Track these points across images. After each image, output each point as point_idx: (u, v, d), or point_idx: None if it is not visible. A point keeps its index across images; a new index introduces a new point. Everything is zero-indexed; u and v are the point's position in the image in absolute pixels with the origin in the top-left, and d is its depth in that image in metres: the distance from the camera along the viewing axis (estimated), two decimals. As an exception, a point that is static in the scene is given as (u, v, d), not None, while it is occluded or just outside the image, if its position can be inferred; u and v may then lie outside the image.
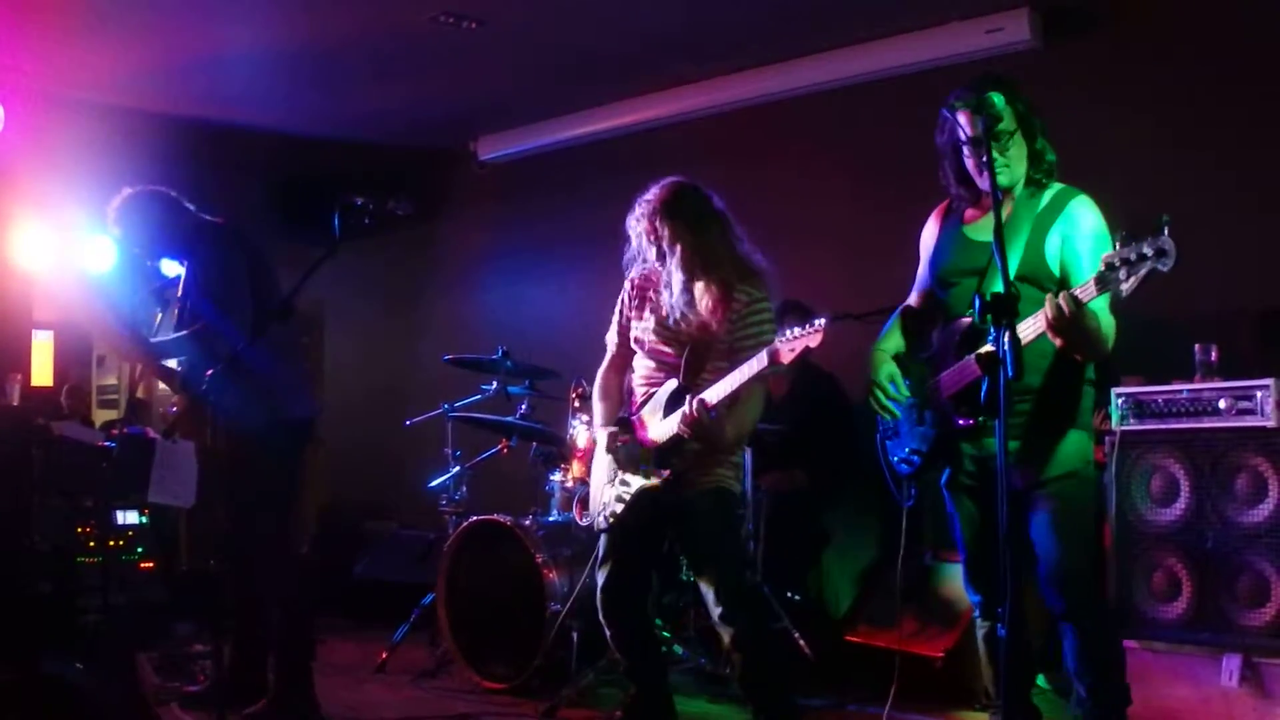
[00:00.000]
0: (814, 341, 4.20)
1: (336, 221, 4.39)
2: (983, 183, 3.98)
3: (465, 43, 7.21)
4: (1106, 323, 3.74)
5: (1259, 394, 4.79)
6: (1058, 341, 3.63)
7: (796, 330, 4.24)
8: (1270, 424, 4.75)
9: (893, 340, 4.30)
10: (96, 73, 7.69)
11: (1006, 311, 3.37)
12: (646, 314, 4.88)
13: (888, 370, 4.16)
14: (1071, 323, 3.53)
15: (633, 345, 4.94)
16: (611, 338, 5.07)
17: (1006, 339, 3.31)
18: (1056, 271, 3.88)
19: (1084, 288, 3.50)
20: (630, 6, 6.85)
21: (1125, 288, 3.37)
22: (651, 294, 4.90)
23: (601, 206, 8.19)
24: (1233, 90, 5.95)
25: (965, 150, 4.00)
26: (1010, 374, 3.30)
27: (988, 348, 3.62)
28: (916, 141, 6.55)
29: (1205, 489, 4.90)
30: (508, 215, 9.35)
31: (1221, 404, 4.88)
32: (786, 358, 4.27)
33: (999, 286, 3.84)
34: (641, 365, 4.90)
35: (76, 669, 5.24)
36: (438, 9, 6.77)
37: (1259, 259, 5.64)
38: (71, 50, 7.32)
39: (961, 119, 3.95)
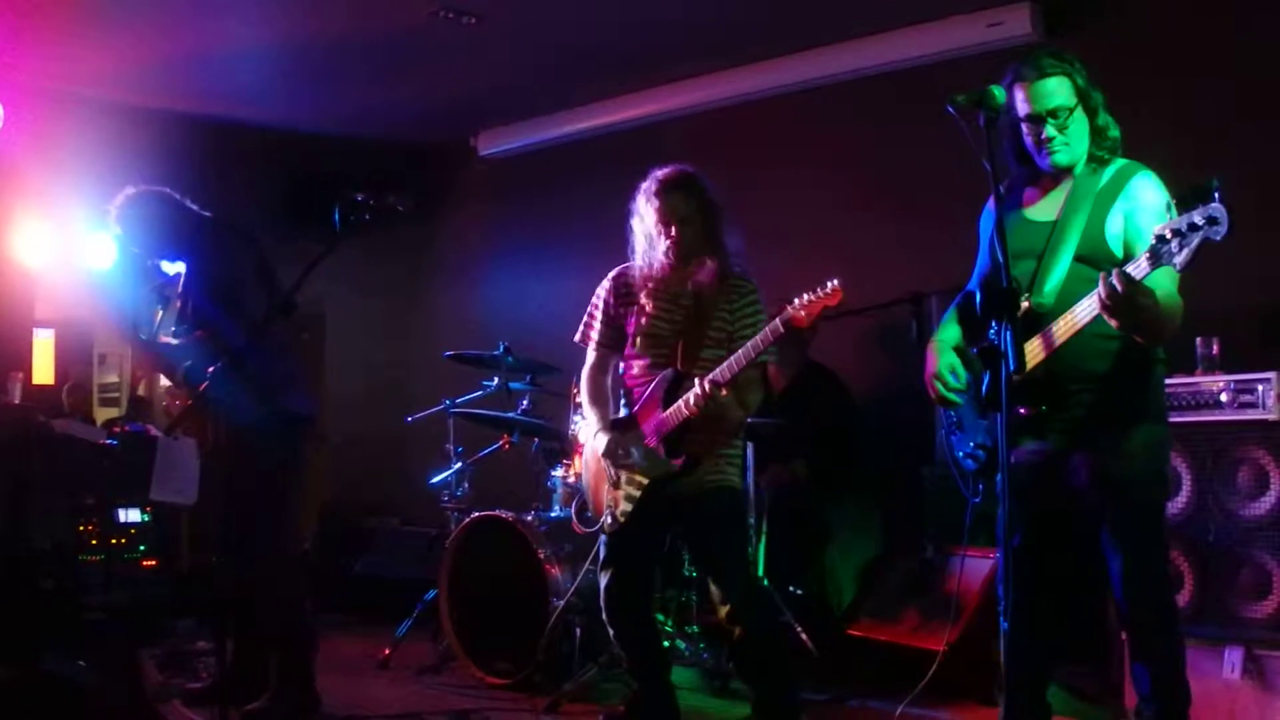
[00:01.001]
0: (832, 301, 4.21)
1: (336, 217, 4.39)
2: (1041, 161, 3.92)
3: (465, 38, 7.20)
4: (1169, 301, 3.61)
5: (1260, 387, 4.79)
6: (1114, 323, 3.49)
7: (808, 295, 4.24)
8: (1272, 417, 4.75)
9: (950, 330, 4.17)
10: (97, 69, 7.69)
11: (1006, 306, 3.35)
12: (634, 308, 4.88)
13: (947, 360, 4.03)
14: (1126, 302, 3.41)
15: (626, 341, 4.94)
16: (593, 338, 5.06)
17: (1008, 334, 3.30)
18: (1119, 252, 3.76)
19: (1136, 263, 3.40)
20: (630, 1, 6.84)
21: (1179, 260, 3.27)
22: (634, 288, 4.90)
23: (602, 201, 8.17)
24: (1232, 83, 5.94)
25: (1024, 128, 3.92)
26: (1012, 368, 3.28)
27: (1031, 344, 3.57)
28: (917, 136, 6.59)
29: (1207, 482, 4.90)
30: (508, 210, 9.35)
31: (1223, 397, 4.88)
32: (805, 322, 4.26)
33: (1063, 265, 3.82)
34: (635, 363, 4.90)
35: (79, 667, 5.25)
36: (437, 4, 6.76)
37: (1260, 251, 5.62)
38: (72, 46, 7.32)
39: (1018, 96, 3.88)
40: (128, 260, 6.18)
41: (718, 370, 4.49)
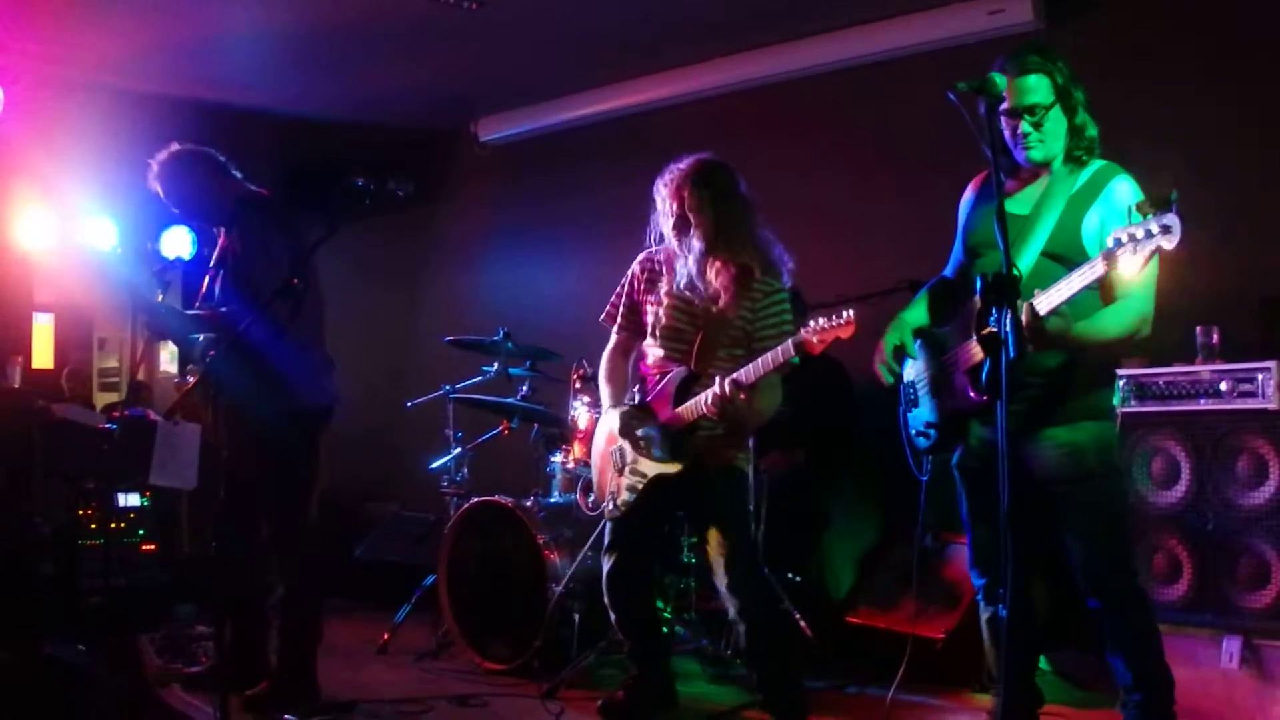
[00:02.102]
0: (845, 333, 4.21)
1: (337, 202, 4.37)
2: (1018, 155, 3.99)
3: (465, 23, 7.19)
4: (1103, 325, 3.75)
5: (1260, 376, 4.79)
6: (1029, 348, 3.61)
7: (823, 321, 4.23)
8: (1271, 406, 4.75)
9: (916, 310, 4.27)
10: (97, 54, 7.67)
11: (1007, 292, 3.36)
12: (659, 293, 4.87)
13: (895, 336, 4.15)
14: (1030, 331, 3.57)
15: (647, 328, 4.93)
16: (616, 320, 5.06)
17: (1008, 320, 3.31)
18: (1093, 252, 3.77)
19: (1093, 265, 3.49)
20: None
21: (1132, 264, 3.35)
22: (662, 274, 4.89)
23: (602, 187, 8.18)
24: (1233, 69, 5.92)
25: (1002, 121, 3.96)
26: (1012, 355, 3.30)
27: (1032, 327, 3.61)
28: (917, 123, 6.58)
29: (1206, 471, 4.90)
30: (508, 196, 9.34)
31: (1223, 386, 4.88)
32: (817, 349, 4.27)
33: (1028, 259, 3.86)
34: (653, 352, 4.90)
35: (78, 651, 5.25)
36: (438, -11, 6.75)
37: (1261, 240, 5.63)
38: (71, 31, 7.30)
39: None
40: (129, 243, 6.16)
41: (741, 371, 4.48)
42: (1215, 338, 5.09)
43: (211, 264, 5.28)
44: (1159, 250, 3.30)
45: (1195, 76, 6.01)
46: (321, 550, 5.41)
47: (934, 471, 4.20)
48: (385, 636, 6.58)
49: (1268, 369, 4.77)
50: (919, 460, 4.24)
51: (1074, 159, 3.97)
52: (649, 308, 4.90)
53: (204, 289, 5.27)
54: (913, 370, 4.24)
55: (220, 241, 5.31)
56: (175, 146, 5.31)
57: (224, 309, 5.00)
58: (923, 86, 5.70)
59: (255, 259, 5.03)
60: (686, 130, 7.80)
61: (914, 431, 4.23)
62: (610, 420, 4.96)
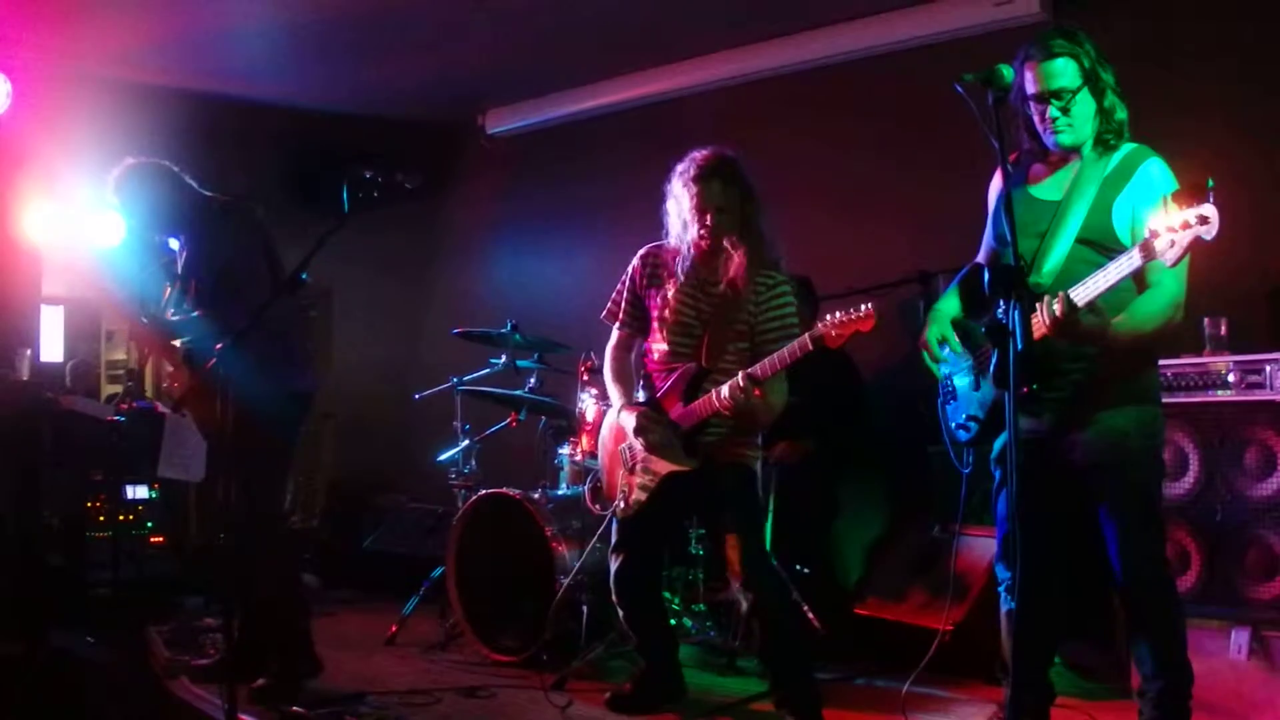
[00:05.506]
0: (865, 326, 4.21)
1: (345, 194, 4.37)
2: (1046, 140, 3.97)
3: (473, 15, 7.18)
4: (1139, 318, 3.72)
5: (1268, 368, 4.77)
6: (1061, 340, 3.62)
7: (840, 315, 4.22)
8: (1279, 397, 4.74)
9: (950, 301, 4.24)
10: (105, 47, 7.67)
11: (1014, 284, 3.35)
12: (663, 288, 4.86)
13: (936, 330, 4.11)
14: (1066, 324, 3.56)
15: (651, 323, 4.91)
16: (618, 316, 5.04)
17: (1015, 312, 3.30)
18: (1125, 237, 3.79)
19: (1130, 256, 3.48)
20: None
21: (1170, 256, 3.34)
22: (663, 270, 4.88)
23: (610, 180, 8.15)
24: (1244, 62, 5.91)
25: (1030, 106, 3.96)
26: (1019, 347, 3.28)
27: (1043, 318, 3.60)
28: (925, 114, 6.57)
29: (1214, 463, 4.89)
30: (516, 189, 9.34)
31: (1231, 377, 4.87)
32: (836, 342, 4.26)
33: (1062, 246, 3.84)
34: (656, 348, 4.88)
35: (87, 643, 5.27)
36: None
37: (1270, 231, 5.61)
38: (80, 24, 7.30)
39: (1027, 75, 3.91)
40: (136, 236, 6.14)
41: (758, 365, 4.47)
42: (1224, 329, 5.08)
43: (179, 273, 5.27)
44: (1198, 241, 3.29)
45: (1203, 68, 5.99)
46: (319, 537, 5.43)
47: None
48: (393, 628, 6.59)
49: (1276, 360, 4.76)
50: (960, 453, 4.22)
51: (1103, 142, 3.95)
52: (655, 300, 4.88)
53: (180, 293, 5.27)
54: (950, 363, 4.22)
55: (182, 251, 5.31)
56: (129, 160, 5.35)
57: (216, 305, 5.03)
58: (930, 78, 5.69)
59: (219, 258, 5.10)
60: (695, 121, 7.79)
61: (954, 425, 4.18)
62: (618, 418, 4.94)
